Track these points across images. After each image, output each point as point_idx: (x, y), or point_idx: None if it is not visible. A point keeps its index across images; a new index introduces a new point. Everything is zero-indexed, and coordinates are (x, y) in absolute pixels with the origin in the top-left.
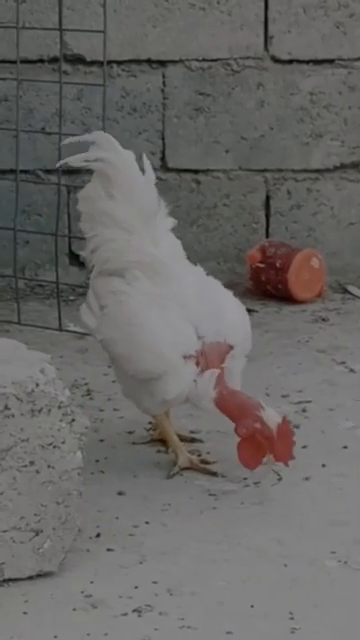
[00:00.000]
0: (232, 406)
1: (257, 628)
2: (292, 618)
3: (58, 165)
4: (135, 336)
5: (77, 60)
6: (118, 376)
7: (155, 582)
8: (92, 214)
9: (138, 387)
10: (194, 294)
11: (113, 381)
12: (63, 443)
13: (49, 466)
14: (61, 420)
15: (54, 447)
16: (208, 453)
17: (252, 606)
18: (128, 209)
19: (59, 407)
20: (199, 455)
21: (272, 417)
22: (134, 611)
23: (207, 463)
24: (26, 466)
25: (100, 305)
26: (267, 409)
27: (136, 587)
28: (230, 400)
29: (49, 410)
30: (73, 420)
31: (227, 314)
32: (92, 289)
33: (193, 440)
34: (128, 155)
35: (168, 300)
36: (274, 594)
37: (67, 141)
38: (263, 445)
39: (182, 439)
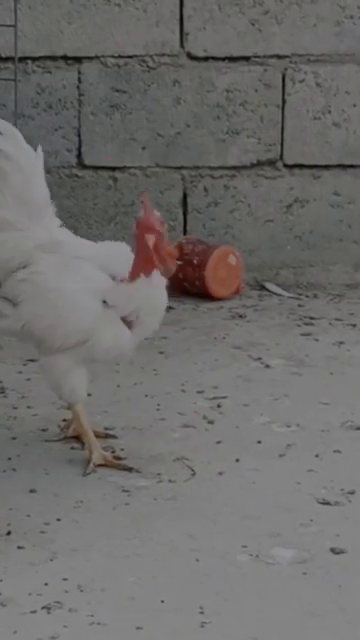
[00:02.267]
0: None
1: (167, 623)
2: (202, 612)
3: None
4: (58, 299)
5: None
6: (45, 363)
7: (65, 579)
8: None
9: (65, 364)
10: (96, 250)
11: (28, 379)
12: None
13: None
14: None
15: None
16: (122, 449)
17: (162, 601)
18: (19, 208)
19: None
20: (113, 452)
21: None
22: (43, 608)
23: (120, 459)
24: None
25: (14, 302)
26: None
27: (46, 584)
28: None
29: None
30: None
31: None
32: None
33: (107, 436)
34: (29, 150)
35: (76, 261)
36: (185, 589)
37: None
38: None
39: (97, 435)
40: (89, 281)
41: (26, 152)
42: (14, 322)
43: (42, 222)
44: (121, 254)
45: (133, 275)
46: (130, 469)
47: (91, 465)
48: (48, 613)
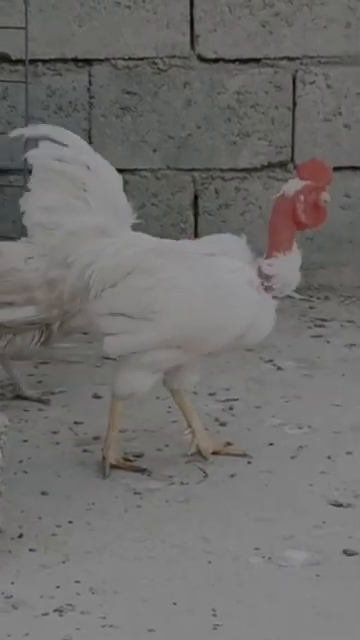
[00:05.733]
0: None
1: (180, 625)
2: (215, 615)
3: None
4: (217, 297)
5: (2, 59)
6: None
7: (77, 581)
8: (73, 233)
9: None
10: (207, 245)
11: (39, 381)
12: None
13: None
14: None
15: None
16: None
17: (175, 603)
18: (108, 215)
19: None
20: (125, 453)
21: None
22: (55, 611)
23: (130, 461)
24: None
25: (138, 316)
26: None
27: (58, 587)
28: None
29: None
30: None
31: None
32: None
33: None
34: (101, 158)
35: (205, 258)
36: (197, 591)
37: (15, 133)
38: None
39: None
40: (236, 271)
41: (100, 160)
42: (152, 337)
43: (129, 227)
44: (232, 241)
45: (281, 246)
46: (143, 470)
47: (107, 466)
48: (60, 616)
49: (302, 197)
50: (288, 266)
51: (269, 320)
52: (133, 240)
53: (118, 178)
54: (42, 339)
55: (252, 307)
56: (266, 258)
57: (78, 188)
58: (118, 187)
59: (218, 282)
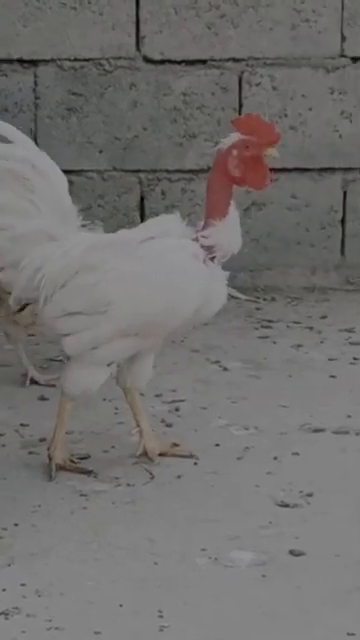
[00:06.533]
0: None
1: (126, 627)
2: (161, 616)
3: None
4: (165, 279)
5: None
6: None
7: (23, 584)
8: (24, 237)
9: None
10: (147, 230)
11: None
12: None
13: None
14: None
15: None
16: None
17: (121, 605)
18: (53, 216)
19: None
20: (72, 455)
21: None
22: (1, 614)
23: (75, 462)
24: None
25: (92, 311)
26: None
27: (4, 590)
28: None
29: None
30: None
31: None
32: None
33: None
34: (46, 156)
35: (146, 243)
36: (143, 592)
37: None
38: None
39: None
40: (178, 249)
41: (48, 161)
42: (108, 329)
43: (75, 229)
44: (169, 220)
45: (216, 211)
46: (89, 472)
47: (53, 467)
48: (6, 619)
49: (235, 152)
50: (226, 233)
51: (222, 289)
52: (78, 240)
53: (64, 180)
54: None
55: (201, 281)
56: (203, 228)
57: (27, 189)
58: (64, 189)
59: (163, 263)
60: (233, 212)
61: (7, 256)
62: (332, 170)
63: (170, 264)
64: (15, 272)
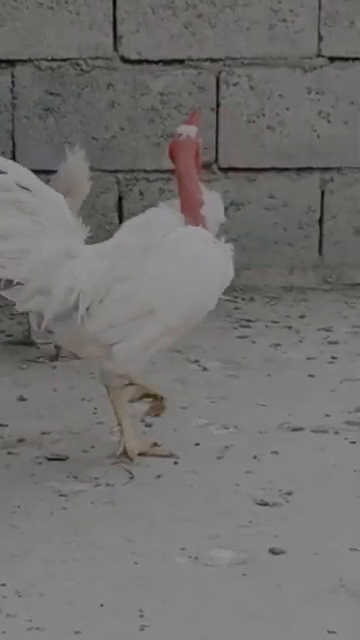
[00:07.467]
0: None
1: (106, 626)
2: (142, 615)
3: None
4: (193, 272)
5: None
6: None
7: (3, 584)
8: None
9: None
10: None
11: None
12: None
13: None
14: None
15: None
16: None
17: (101, 605)
18: (57, 230)
19: None
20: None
21: None
22: None
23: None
24: None
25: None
26: None
27: None
28: None
29: None
30: None
31: None
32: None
33: None
34: (39, 181)
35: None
36: (124, 592)
37: None
38: None
39: None
40: (195, 238)
41: (38, 181)
42: (155, 330)
43: (82, 238)
44: (160, 213)
45: (194, 204)
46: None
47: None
48: None
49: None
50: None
51: (230, 262)
52: (95, 256)
53: (59, 196)
54: None
55: (219, 260)
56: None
57: (27, 212)
58: (62, 204)
59: (187, 256)
60: (206, 197)
61: (32, 284)
62: (310, 170)
63: (193, 254)
64: (43, 298)
